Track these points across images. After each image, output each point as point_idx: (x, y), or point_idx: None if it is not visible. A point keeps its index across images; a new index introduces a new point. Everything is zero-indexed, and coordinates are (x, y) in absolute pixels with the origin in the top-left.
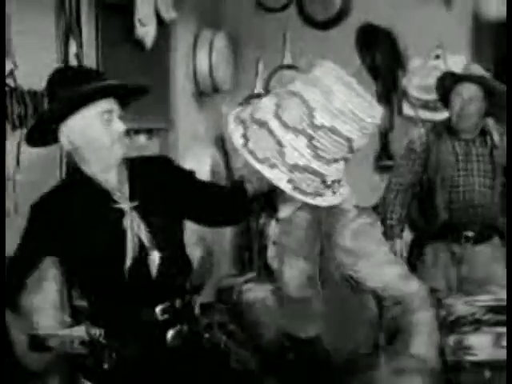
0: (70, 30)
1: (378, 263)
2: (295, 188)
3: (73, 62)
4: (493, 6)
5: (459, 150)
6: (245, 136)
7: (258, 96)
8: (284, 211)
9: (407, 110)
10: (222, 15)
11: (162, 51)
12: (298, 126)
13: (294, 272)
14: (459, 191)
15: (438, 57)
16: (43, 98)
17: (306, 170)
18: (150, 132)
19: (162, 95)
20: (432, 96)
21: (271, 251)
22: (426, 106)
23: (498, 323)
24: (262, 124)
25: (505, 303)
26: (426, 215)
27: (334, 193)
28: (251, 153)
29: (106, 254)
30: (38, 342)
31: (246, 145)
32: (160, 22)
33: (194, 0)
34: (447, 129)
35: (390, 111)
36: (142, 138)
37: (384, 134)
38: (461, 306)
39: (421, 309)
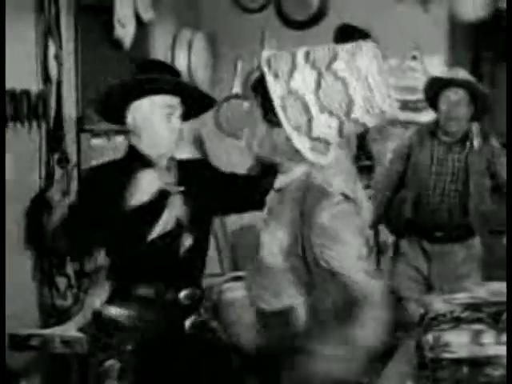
0: (49, 31)
1: (350, 254)
2: (283, 107)
3: (52, 63)
4: (469, 7)
5: (437, 153)
6: (270, 57)
7: (237, 96)
8: (281, 180)
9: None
10: (200, 16)
11: (140, 51)
12: (317, 63)
13: (270, 239)
14: (429, 193)
15: (414, 57)
16: (22, 98)
17: (299, 99)
18: (128, 132)
19: None
20: (409, 96)
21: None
22: (403, 106)
23: (476, 320)
24: (292, 52)
25: (481, 301)
26: (395, 212)
27: (312, 150)
28: (269, 65)
29: (141, 226)
30: (19, 342)
31: (269, 62)
32: (139, 22)
33: (173, 0)
34: (430, 132)
35: None
36: (120, 138)
37: (362, 134)
38: (439, 304)
39: (378, 306)
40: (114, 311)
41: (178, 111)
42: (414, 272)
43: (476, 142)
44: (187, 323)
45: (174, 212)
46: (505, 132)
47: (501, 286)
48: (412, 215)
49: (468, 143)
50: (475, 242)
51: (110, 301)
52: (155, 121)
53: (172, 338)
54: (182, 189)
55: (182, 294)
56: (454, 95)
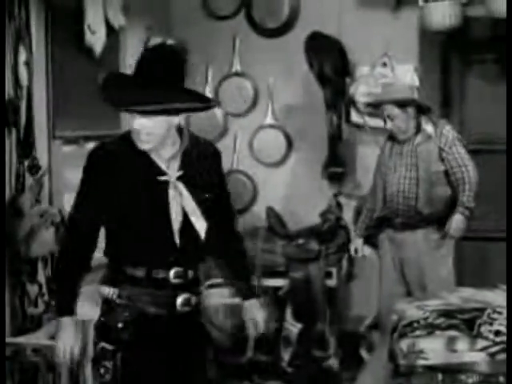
0: (19, 37)
1: None
2: None
3: (22, 69)
4: (439, 15)
5: (394, 150)
6: None
7: None
8: None
9: (355, 117)
10: (170, 22)
11: (111, 58)
12: None
13: None
14: (387, 186)
15: (385, 64)
16: None
17: None
18: (100, 139)
19: None
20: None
21: None
22: (373, 113)
23: (449, 327)
24: None
25: (455, 307)
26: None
27: None
28: None
29: (148, 219)
30: None
31: None
32: (110, 29)
33: (143, 7)
34: (388, 136)
35: (338, 118)
36: (92, 145)
37: (332, 141)
38: (413, 311)
39: None
40: (107, 290)
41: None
42: (386, 267)
43: (430, 131)
44: (178, 301)
45: (178, 201)
46: (476, 132)
47: (472, 293)
48: (384, 209)
49: (419, 135)
50: (441, 229)
51: (103, 281)
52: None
53: (163, 315)
54: (180, 173)
55: (171, 272)
56: (390, 110)
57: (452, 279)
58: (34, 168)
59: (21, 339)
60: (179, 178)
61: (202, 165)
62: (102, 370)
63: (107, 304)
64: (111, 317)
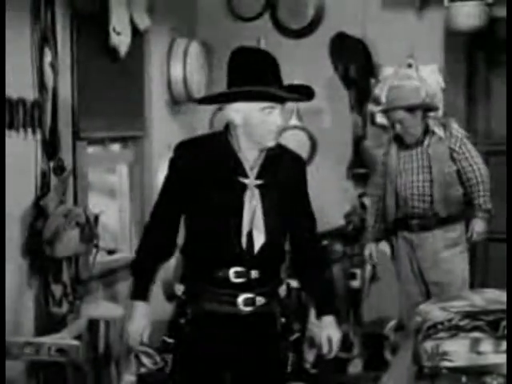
0: (45, 39)
1: None
2: None
3: (48, 71)
4: (464, 16)
5: (402, 153)
6: None
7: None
8: None
9: (380, 118)
10: (196, 24)
11: (136, 59)
12: None
13: None
14: (399, 190)
15: (410, 66)
16: (18, 106)
17: None
18: (124, 140)
19: (136, 103)
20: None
21: None
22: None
23: (474, 328)
24: None
25: (479, 309)
26: (383, 215)
27: None
28: None
29: (221, 219)
30: (13, 350)
31: None
32: (135, 30)
33: (168, 8)
34: (395, 137)
35: (363, 120)
36: (116, 146)
37: (357, 143)
38: (437, 312)
39: None
40: (177, 287)
41: (278, 109)
42: (403, 268)
43: (439, 132)
44: (239, 299)
45: (252, 206)
46: (501, 134)
47: (497, 294)
48: (396, 215)
49: (428, 137)
50: (457, 227)
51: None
52: (255, 119)
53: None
54: (260, 182)
55: (231, 271)
56: (397, 115)
57: (467, 276)
58: (59, 169)
59: (45, 339)
60: (258, 185)
61: (283, 174)
62: (159, 362)
63: (177, 300)
64: (175, 312)
